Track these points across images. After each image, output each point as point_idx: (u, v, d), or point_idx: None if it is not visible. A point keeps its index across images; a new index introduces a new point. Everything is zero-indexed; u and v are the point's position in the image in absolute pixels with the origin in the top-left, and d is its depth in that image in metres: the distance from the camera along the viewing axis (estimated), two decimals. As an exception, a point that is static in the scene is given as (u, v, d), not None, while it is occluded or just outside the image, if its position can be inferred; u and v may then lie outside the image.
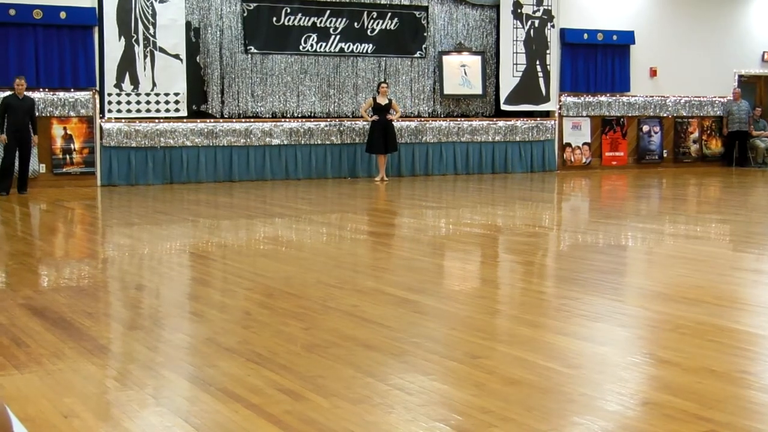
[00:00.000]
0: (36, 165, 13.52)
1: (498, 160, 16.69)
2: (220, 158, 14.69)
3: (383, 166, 15.04)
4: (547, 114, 17.13)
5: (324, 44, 15.48)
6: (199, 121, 14.56)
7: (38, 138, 13.10)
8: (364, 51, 15.79)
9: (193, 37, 14.70)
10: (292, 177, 15.12)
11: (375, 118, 14.87)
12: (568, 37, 17.02)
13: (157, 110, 14.19)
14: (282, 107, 15.33)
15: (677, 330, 4.70)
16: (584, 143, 17.48)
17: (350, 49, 15.68)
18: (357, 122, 15.50)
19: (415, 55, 16.22)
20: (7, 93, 12.67)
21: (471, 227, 9.38)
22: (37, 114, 13.16)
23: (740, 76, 18.77)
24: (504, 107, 16.68)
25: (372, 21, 15.82)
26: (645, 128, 18.00)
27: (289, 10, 15.22)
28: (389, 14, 15.94)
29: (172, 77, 14.21)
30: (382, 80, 15.63)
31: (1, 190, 12.46)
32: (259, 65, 15.13)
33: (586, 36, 17.14)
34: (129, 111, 14.03)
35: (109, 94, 13.92)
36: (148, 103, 14.12)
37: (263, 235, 8.91)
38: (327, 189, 13.77)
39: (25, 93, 12.75)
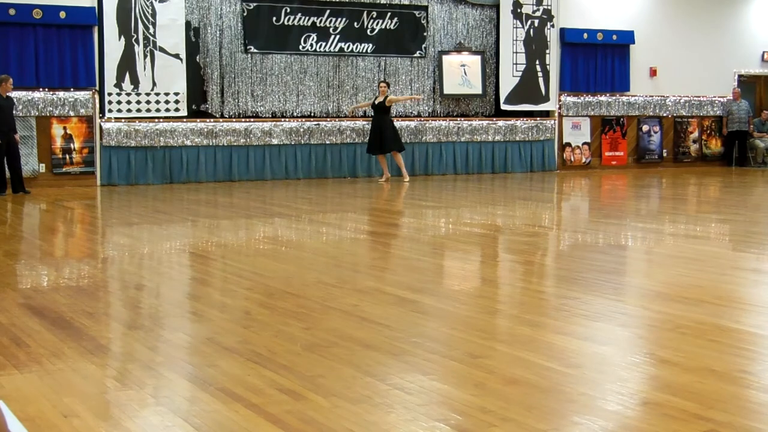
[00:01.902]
0: (36, 164, 13.52)
1: (498, 159, 16.69)
2: (220, 158, 14.69)
3: (383, 165, 15.03)
4: (546, 114, 17.14)
5: (324, 44, 15.48)
6: (198, 120, 14.57)
7: (38, 137, 13.17)
8: (364, 51, 15.79)
9: (193, 36, 14.70)
10: (292, 177, 15.12)
11: (366, 107, 15.20)
12: (568, 37, 17.02)
13: (157, 110, 14.19)
14: (282, 107, 15.33)
15: (677, 330, 4.70)
16: (584, 143, 17.48)
17: (350, 49, 15.69)
18: (357, 122, 15.50)
19: (415, 55, 16.22)
20: None
21: (471, 227, 9.38)
22: (36, 113, 13.36)
23: (740, 76, 18.78)
24: (504, 107, 16.69)
25: (372, 21, 15.82)
26: (645, 128, 18.01)
27: (288, 10, 15.22)
28: (389, 14, 15.94)
29: (172, 77, 14.21)
30: (382, 79, 15.65)
31: (-2, 191, 12.48)
32: (259, 65, 15.13)
33: (585, 36, 17.14)
34: (129, 111, 14.03)
35: (109, 94, 13.93)
36: (148, 102, 14.11)
37: (263, 235, 8.91)
38: (327, 189, 13.76)
39: (8, 93, 12.68)
